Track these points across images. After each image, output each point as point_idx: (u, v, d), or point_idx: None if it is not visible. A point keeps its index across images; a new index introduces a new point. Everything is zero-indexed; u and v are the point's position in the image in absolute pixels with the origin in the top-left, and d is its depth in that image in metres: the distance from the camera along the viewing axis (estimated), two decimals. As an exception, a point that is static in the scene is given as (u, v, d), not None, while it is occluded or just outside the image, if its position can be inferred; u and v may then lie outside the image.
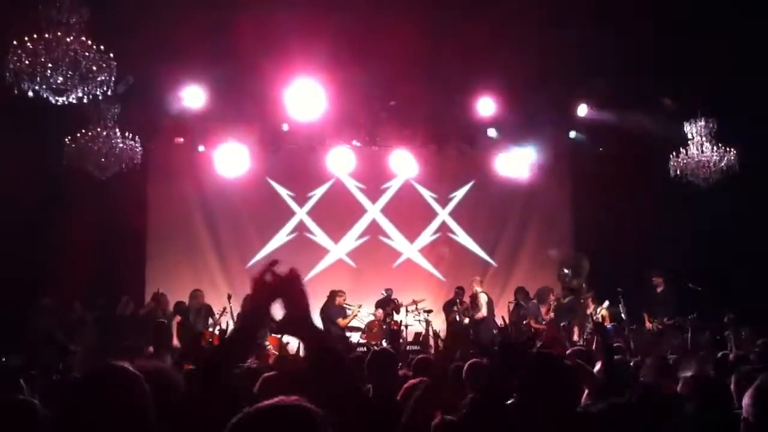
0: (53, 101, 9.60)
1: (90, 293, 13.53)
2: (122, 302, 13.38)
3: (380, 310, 14.02)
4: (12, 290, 12.71)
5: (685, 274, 13.06)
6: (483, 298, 14.14)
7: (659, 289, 13.51)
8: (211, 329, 13.25)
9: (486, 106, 14.30)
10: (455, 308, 14.04)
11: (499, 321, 14.17)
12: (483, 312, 13.92)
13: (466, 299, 14.21)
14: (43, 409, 2.97)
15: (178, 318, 13.37)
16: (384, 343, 13.54)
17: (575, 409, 3.97)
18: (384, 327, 13.89)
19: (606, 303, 13.32)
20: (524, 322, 13.61)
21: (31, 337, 12.92)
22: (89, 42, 9.43)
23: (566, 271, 13.90)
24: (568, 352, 6.79)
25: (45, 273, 13.39)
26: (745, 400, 2.75)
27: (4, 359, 10.46)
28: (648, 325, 13.29)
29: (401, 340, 13.91)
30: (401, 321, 14.26)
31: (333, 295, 13.81)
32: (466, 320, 13.87)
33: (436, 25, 11.82)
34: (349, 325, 14.17)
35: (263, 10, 10.95)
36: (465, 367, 5.47)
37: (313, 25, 11.26)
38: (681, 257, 13.75)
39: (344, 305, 13.80)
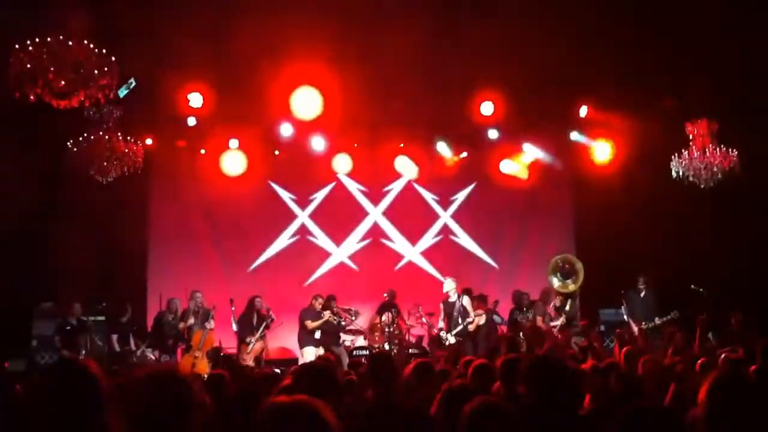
0: (55, 105, 9.59)
1: (92, 297, 13.54)
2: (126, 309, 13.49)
3: (388, 314, 13.96)
4: (13, 295, 12.73)
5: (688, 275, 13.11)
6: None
7: (641, 294, 13.48)
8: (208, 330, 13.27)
9: (487, 107, 14.29)
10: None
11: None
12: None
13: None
14: None
15: (182, 325, 13.35)
16: (386, 347, 13.56)
17: (578, 412, 3.98)
18: (388, 330, 13.83)
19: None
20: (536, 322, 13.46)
21: (33, 342, 12.96)
22: (91, 45, 9.42)
23: (558, 278, 13.77)
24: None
25: (46, 277, 13.41)
26: (700, 397, 2.77)
27: (7, 365, 10.47)
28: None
29: (404, 344, 13.90)
30: (406, 324, 14.26)
31: (313, 297, 13.85)
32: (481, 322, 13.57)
33: (436, 26, 11.81)
34: (351, 328, 14.19)
35: (264, 13, 10.95)
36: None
37: (314, 27, 11.26)
38: (684, 259, 13.77)
39: (318, 309, 13.71)
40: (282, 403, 2.27)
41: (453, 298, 13.46)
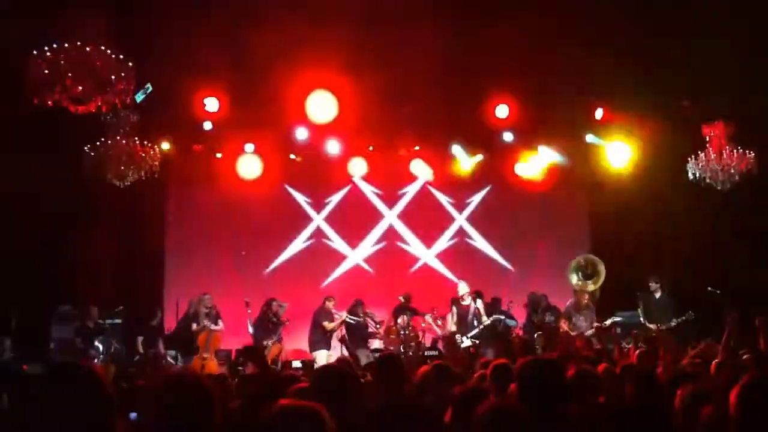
0: (73, 110, 9.67)
1: (110, 300, 13.62)
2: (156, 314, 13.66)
3: (403, 317, 13.94)
4: (32, 299, 12.82)
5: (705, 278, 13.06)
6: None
7: (656, 295, 13.41)
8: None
9: (502, 110, 14.28)
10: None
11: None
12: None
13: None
14: None
15: (195, 326, 13.41)
16: (402, 349, 13.55)
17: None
18: (403, 333, 13.82)
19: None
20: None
21: (51, 345, 13.05)
22: (108, 51, 9.50)
23: (578, 277, 13.73)
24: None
25: (65, 281, 13.49)
26: (731, 399, 2.76)
27: (25, 367, 10.54)
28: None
29: (420, 346, 13.89)
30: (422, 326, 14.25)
31: (325, 299, 13.89)
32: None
33: (451, 30, 11.82)
34: (370, 330, 14.21)
35: (281, 18, 11.00)
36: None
37: (329, 31, 11.30)
38: (701, 261, 13.70)
39: (332, 310, 13.77)
40: (285, 407, 2.32)
41: (467, 301, 13.48)
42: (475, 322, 13.25)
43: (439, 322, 14.09)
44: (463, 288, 13.64)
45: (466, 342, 13.13)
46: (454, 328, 13.48)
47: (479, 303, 13.48)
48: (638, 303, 13.32)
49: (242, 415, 3.96)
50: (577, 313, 13.21)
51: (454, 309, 13.59)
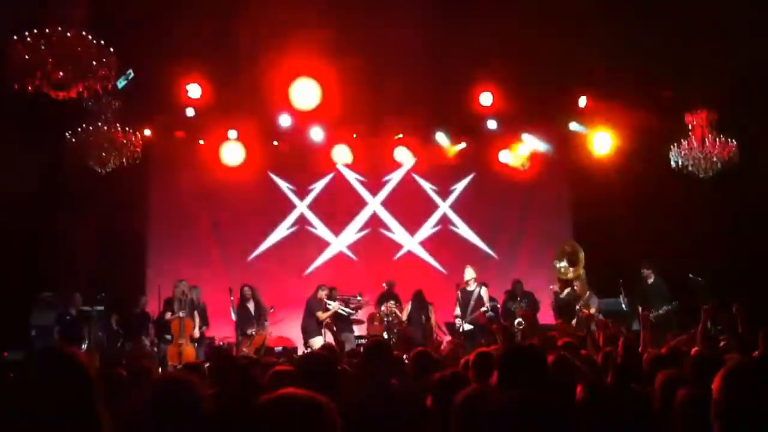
0: (54, 96, 9.59)
1: (91, 287, 13.55)
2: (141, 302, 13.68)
3: (388, 304, 13.96)
4: (13, 285, 12.74)
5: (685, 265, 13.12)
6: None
7: (649, 281, 13.48)
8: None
9: (486, 97, 14.30)
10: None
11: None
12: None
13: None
14: None
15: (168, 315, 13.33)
16: (385, 335, 13.57)
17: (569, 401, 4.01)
18: (387, 320, 13.84)
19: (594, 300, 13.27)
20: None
21: (32, 332, 12.98)
22: (90, 37, 9.42)
23: (562, 263, 13.79)
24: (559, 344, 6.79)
25: (46, 267, 13.41)
26: (715, 382, 2.76)
27: (6, 354, 10.51)
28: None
29: (403, 333, 13.90)
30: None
31: (317, 288, 13.83)
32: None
33: (435, 17, 11.81)
34: (353, 317, 14.22)
35: (263, 4, 10.95)
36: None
37: (313, 16, 11.26)
38: (683, 249, 13.77)
39: (325, 299, 13.72)
40: (283, 395, 2.25)
41: (471, 287, 13.55)
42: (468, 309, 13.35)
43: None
44: (469, 273, 13.70)
45: (466, 326, 13.25)
46: (458, 311, 13.54)
47: (483, 290, 13.55)
48: (620, 290, 13.37)
49: (218, 403, 3.93)
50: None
51: (459, 293, 13.62)
